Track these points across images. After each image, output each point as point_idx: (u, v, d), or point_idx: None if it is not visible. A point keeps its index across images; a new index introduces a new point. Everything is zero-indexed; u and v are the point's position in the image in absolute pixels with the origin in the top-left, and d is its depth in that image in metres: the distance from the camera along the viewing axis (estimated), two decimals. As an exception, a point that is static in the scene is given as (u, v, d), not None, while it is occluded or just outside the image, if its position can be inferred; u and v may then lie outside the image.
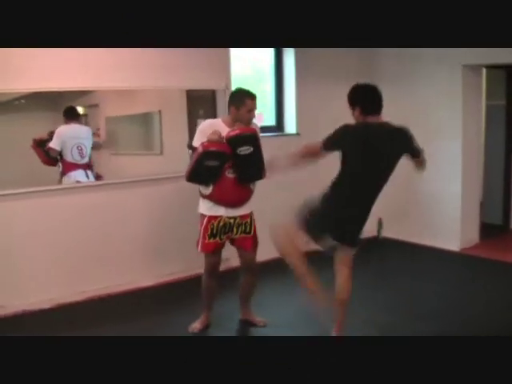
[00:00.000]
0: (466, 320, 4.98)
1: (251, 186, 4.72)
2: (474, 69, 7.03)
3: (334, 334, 4.39)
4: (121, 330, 4.72)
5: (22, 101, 5.54)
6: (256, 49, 6.97)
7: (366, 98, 4.22)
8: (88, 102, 6.00)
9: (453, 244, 7.17)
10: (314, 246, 4.23)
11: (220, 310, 5.02)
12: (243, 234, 4.70)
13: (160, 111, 6.26)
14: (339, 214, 4.13)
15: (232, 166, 4.49)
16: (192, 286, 5.39)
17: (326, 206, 4.13)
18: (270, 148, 6.77)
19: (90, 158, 5.93)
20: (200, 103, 6.48)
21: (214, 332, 4.76)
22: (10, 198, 5.18)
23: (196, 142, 4.49)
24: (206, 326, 4.82)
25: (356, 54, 7.27)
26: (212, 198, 4.56)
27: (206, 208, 4.62)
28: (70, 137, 5.78)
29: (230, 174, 4.52)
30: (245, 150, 4.44)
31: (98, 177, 5.91)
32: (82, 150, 5.85)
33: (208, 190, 4.54)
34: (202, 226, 4.62)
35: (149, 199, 5.90)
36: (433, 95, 7.19)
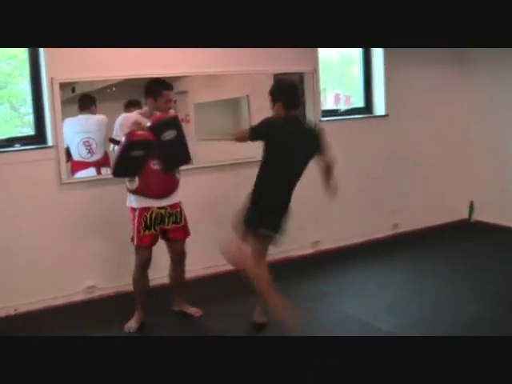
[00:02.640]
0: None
1: (177, 175, 4.72)
2: None
3: (258, 320, 4.66)
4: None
5: (113, 89, 5.66)
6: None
7: (288, 94, 4.46)
8: (176, 89, 6.06)
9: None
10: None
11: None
12: (174, 224, 4.70)
13: (248, 96, 6.27)
14: (264, 204, 4.38)
15: (157, 156, 4.46)
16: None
17: (253, 199, 4.39)
18: (358, 130, 6.83)
19: (104, 153, 5.49)
20: (288, 87, 6.48)
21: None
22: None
23: (117, 136, 4.49)
24: (142, 325, 4.69)
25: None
26: (139, 191, 4.55)
27: (135, 201, 4.60)
28: (74, 132, 5.43)
29: (154, 166, 4.51)
30: (169, 134, 4.43)
31: (187, 162, 5.94)
32: (90, 145, 5.51)
33: (134, 184, 4.53)
34: (134, 220, 4.59)
35: (237, 182, 5.93)
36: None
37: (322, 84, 6.67)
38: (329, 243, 6.62)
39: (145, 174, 4.49)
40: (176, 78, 5.86)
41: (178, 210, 4.73)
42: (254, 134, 4.40)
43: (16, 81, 5.67)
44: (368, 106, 7.20)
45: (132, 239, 4.62)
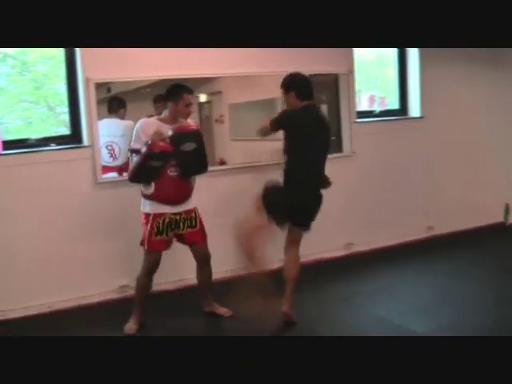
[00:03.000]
0: None
1: (192, 182, 4.71)
2: None
3: (283, 310, 4.61)
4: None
5: (148, 89, 5.70)
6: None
7: (301, 83, 4.62)
8: (211, 90, 6.10)
9: None
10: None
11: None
12: (189, 228, 4.69)
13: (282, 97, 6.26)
14: (294, 199, 4.46)
15: (175, 163, 4.48)
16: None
17: (282, 193, 4.51)
18: (393, 131, 6.78)
19: (127, 159, 5.22)
20: (322, 88, 6.46)
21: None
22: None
23: (136, 143, 4.50)
24: (141, 326, 4.71)
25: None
26: (154, 197, 4.54)
27: (149, 206, 4.60)
28: (101, 134, 5.36)
29: (171, 173, 4.51)
30: (188, 146, 4.46)
31: (221, 162, 5.97)
32: (113, 149, 5.53)
33: (150, 190, 4.54)
34: (147, 224, 4.59)
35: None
36: None
37: (357, 85, 6.64)
38: (362, 245, 6.59)
39: (161, 180, 4.51)
40: (211, 79, 5.90)
41: (193, 214, 4.73)
42: (275, 123, 4.55)
43: (52, 81, 5.73)
44: (403, 108, 7.15)
45: (141, 243, 4.65)
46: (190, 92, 4.62)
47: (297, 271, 4.65)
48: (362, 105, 6.98)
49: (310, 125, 4.50)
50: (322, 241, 6.27)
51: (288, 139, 4.57)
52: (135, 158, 4.51)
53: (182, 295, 5.41)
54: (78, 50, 5.21)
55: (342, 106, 6.51)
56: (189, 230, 4.70)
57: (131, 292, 5.12)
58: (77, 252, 5.22)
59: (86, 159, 5.26)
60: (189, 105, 4.60)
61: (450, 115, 7.11)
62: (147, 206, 4.61)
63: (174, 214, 4.61)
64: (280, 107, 6.22)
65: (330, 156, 6.02)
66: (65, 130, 5.53)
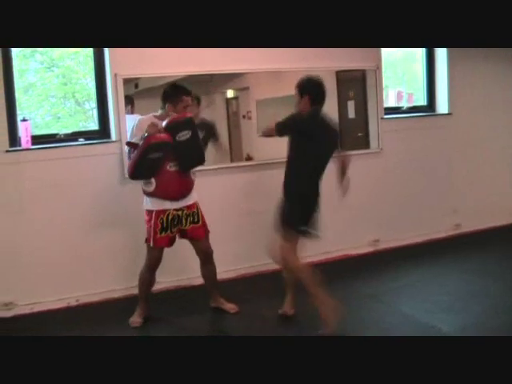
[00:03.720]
0: None
1: (192, 177, 4.69)
2: None
3: (288, 313, 4.75)
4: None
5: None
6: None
7: (317, 88, 4.53)
8: (239, 86, 6.10)
9: None
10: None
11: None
12: (192, 224, 4.69)
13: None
14: (299, 199, 4.49)
15: (173, 157, 4.46)
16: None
17: (288, 195, 4.50)
18: (420, 128, 6.75)
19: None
20: (349, 84, 6.45)
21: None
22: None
23: (133, 138, 4.48)
24: (146, 319, 4.78)
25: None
26: (156, 194, 4.54)
27: (151, 204, 4.59)
28: None
29: (171, 168, 4.50)
30: (184, 135, 4.44)
31: (248, 158, 5.98)
32: None
33: (151, 187, 4.53)
34: (150, 221, 4.59)
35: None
36: None
37: (385, 81, 6.61)
38: (389, 242, 6.56)
39: (161, 176, 4.50)
40: (238, 75, 5.90)
41: (195, 210, 4.73)
42: (281, 128, 4.51)
43: (80, 77, 5.78)
44: (431, 104, 7.10)
45: (146, 241, 4.66)
46: (189, 93, 4.62)
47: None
48: (390, 101, 6.95)
49: (320, 132, 4.45)
50: (349, 237, 6.27)
51: (295, 145, 4.52)
52: (132, 155, 4.49)
53: (187, 293, 5.48)
54: (106, 46, 5.23)
55: (369, 102, 6.48)
56: (192, 225, 4.71)
57: (160, 286, 5.17)
58: (105, 246, 5.26)
59: (114, 154, 5.30)
60: (187, 106, 4.59)
61: (478, 112, 7.05)
62: (149, 203, 4.62)
63: (176, 209, 4.62)
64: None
65: (357, 152, 6.06)
66: (93, 125, 5.57)
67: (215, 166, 5.73)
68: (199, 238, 4.77)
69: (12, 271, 5.03)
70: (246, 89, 6.09)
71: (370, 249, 6.50)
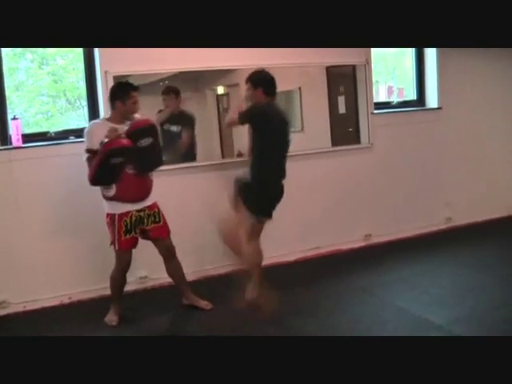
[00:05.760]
0: None
1: (151, 178, 4.71)
2: None
3: (249, 296, 4.79)
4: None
5: (166, 82, 5.70)
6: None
7: (269, 81, 4.86)
8: (229, 82, 6.09)
9: None
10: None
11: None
12: (154, 224, 4.72)
13: (300, 88, 6.26)
14: (267, 191, 4.79)
15: (132, 161, 4.45)
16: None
17: (256, 186, 4.75)
18: (411, 122, 6.77)
19: None
20: (340, 80, 6.46)
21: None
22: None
23: (90, 145, 4.43)
24: (120, 317, 4.79)
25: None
26: (117, 197, 4.53)
27: (113, 207, 4.59)
28: None
29: (129, 171, 4.50)
30: (145, 141, 4.45)
31: (239, 154, 5.98)
32: None
33: (112, 192, 4.53)
34: (112, 225, 4.59)
35: (293, 175, 5.93)
36: None
37: (375, 76, 6.63)
38: (381, 236, 6.58)
39: (121, 179, 4.49)
40: (228, 71, 5.90)
41: (156, 210, 4.74)
42: (244, 117, 4.77)
43: (71, 75, 5.77)
44: (421, 99, 7.12)
45: (111, 244, 4.66)
46: (136, 89, 4.60)
47: (262, 259, 4.87)
48: (380, 96, 6.97)
49: (277, 121, 4.76)
50: (341, 232, 6.29)
51: (256, 133, 4.76)
52: (92, 161, 4.40)
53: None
54: (96, 44, 5.23)
55: (359, 97, 6.49)
56: (153, 225, 4.73)
57: (151, 283, 5.17)
58: (97, 243, 5.23)
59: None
60: (136, 102, 4.58)
61: (468, 106, 7.08)
62: (110, 207, 4.62)
63: (138, 210, 4.63)
64: (297, 99, 6.27)
65: (347, 147, 6.10)
66: (84, 123, 5.56)
67: (207, 163, 5.76)
68: (162, 236, 4.79)
69: (5, 270, 5.03)
70: (237, 85, 6.08)
71: (362, 243, 6.52)
